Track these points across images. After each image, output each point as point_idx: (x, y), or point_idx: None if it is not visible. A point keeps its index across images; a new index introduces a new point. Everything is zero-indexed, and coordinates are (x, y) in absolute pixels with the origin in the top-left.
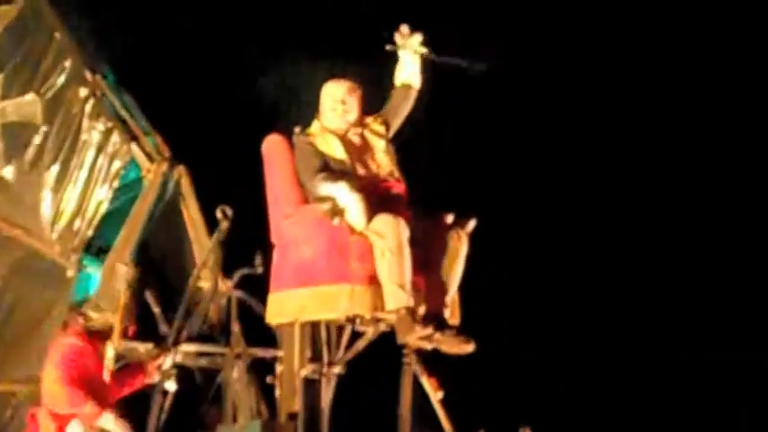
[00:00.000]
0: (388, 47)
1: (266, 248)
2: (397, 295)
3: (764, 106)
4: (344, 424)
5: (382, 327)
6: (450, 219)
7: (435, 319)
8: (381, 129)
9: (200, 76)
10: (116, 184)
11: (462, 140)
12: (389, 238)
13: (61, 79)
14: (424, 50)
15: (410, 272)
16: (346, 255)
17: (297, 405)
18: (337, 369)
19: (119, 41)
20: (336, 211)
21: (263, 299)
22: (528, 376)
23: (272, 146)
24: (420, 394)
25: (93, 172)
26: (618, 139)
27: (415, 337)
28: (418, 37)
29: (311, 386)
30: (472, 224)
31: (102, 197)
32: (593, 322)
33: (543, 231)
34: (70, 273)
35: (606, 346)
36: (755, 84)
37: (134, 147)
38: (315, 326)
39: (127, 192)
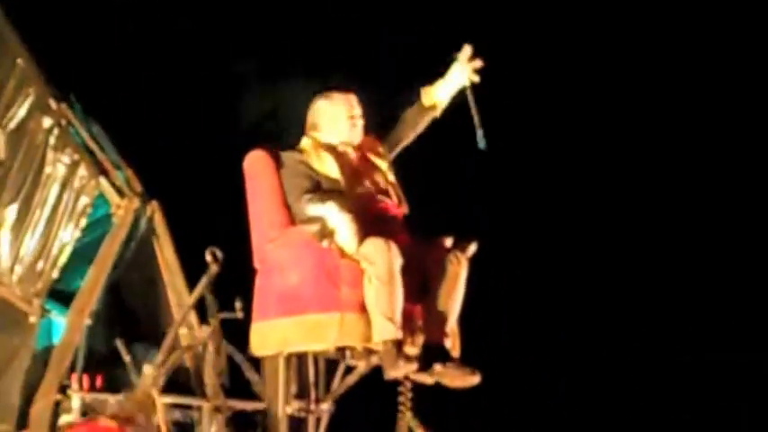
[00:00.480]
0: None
1: (247, 292)
2: (384, 327)
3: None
4: None
5: (375, 360)
6: (449, 242)
7: (435, 352)
8: (381, 149)
9: (176, 104)
10: (83, 221)
11: (462, 162)
12: (379, 265)
13: (24, 109)
14: (475, 80)
15: (401, 302)
16: (336, 280)
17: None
18: (325, 406)
19: (87, 66)
20: (326, 233)
21: (243, 346)
22: (535, 408)
23: (255, 162)
24: None
25: (58, 209)
26: (612, 142)
27: (401, 374)
28: (478, 63)
29: (297, 425)
30: (473, 248)
31: (67, 236)
32: (600, 343)
33: (546, 254)
34: (33, 319)
35: (613, 369)
36: (759, 84)
37: (103, 181)
38: (301, 358)
39: (95, 230)
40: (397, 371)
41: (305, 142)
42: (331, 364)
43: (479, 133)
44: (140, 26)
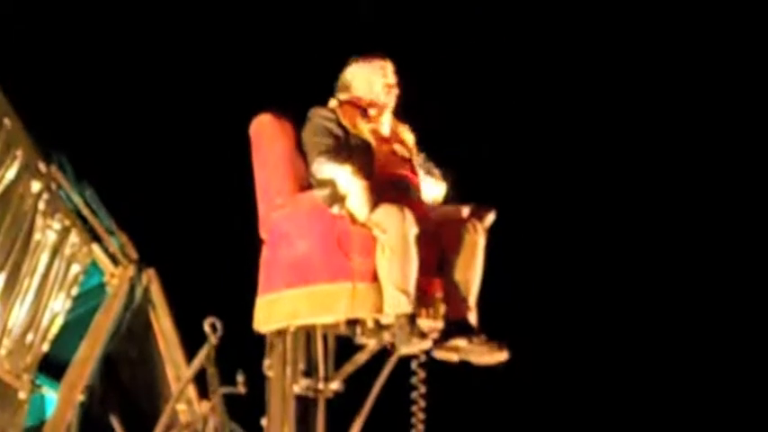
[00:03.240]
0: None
1: (250, 365)
2: (397, 300)
3: None
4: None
5: (387, 337)
6: (466, 211)
7: (461, 326)
8: (411, 138)
9: (173, 167)
10: (75, 291)
11: (483, 132)
12: (392, 233)
13: (11, 172)
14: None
15: (415, 273)
16: (347, 248)
17: (287, 428)
18: (335, 385)
19: (78, 127)
20: (336, 198)
21: (246, 423)
22: (559, 384)
23: (262, 127)
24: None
25: (48, 278)
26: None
27: (415, 350)
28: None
29: (304, 405)
30: (491, 217)
31: (58, 307)
32: (625, 312)
33: (567, 225)
34: (22, 395)
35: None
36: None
37: (95, 248)
38: (310, 334)
39: (87, 300)
40: (411, 347)
41: (334, 102)
42: (341, 343)
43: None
44: (136, 85)
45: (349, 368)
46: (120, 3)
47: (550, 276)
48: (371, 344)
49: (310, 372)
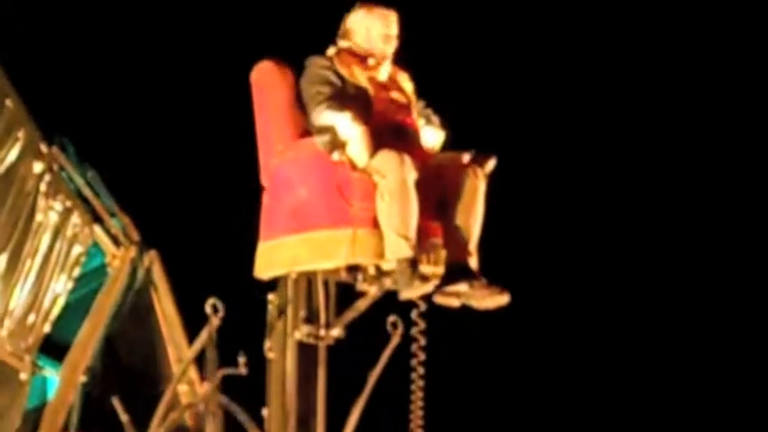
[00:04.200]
0: None
1: (251, 346)
2: (397, 245)
3: None
4: (342, 396)
5: (388, 283)
6: (467, 158)
7: (461, 271)
8: (410, 87)
9: (175, 147)
10: (76, 272)
11: (482, 78)
12: (391, 179)
13: (13, 153)
14: None
15: (415, 218)
16: (347, 194)
17: (288, 373)
18: (336, 332)
19: (80, 107)
20: (336, 144)
21: (247, 405)
22: (560, 331)
23: (263, 74)
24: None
25: (50, 259)
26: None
27: (416, 294)
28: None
29: (306, 352)
30: (492, 163)
31: (59, 288)
32: (627, 259)
33: (569, 170)
34: (24, 376)
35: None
36: None
37: (97, 229)
38: (311, 280)
39: (89, 281)
40: (412, 291)
41: (332, 51)
42: (342, 290)
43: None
44: (138, 65)
45: (350, 315)
46: None
47: (551, 220)
48: (372, 290)
49: (312, 319)
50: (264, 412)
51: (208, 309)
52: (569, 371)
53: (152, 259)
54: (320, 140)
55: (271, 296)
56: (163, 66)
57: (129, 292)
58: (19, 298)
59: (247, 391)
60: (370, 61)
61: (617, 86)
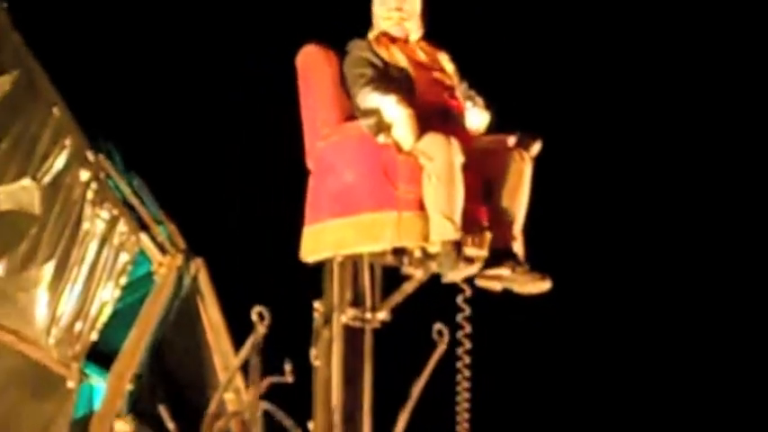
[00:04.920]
0: None
1: (297, 354)
2: (443, 226)
3: None
4: (388, 380)
5: (433, 267)
6: (512, 140)
7: (505, 255)
8: (451, 66)
9: (221, 155)
10: (123, 280)
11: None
12: (438, 161)
13: (60, 161)
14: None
15: (461, 201)
16: (393, 177)
17: (335, 357)
18: (382, 315)
19: (127, 115)
20: (382, 127)
21: (293, 413)
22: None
23: (309, 58)
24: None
25: (97, 267)
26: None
27: (460, 276)
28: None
29: (352, 335)
30: (538, 146)
31: (106, 296)
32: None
33: (615, 155)
34: (71, 384)
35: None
36: None
37: (143, 237)
38: (356, 264)
39: (136, 289)
40: (457, 273)
41: (370, 35)
42: (388, 274)
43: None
44: (183, 72)
45: (396, 298)
46: None
47: (596, 206)
48: (418, 274)
49: (357, 302)
50: (311, 426)
51: (254, 316)
52: (613, 360)
53: (198, 267)
54: (365, 123)
55: (316, 304)
56: (207, 71)
57: (175, 299)
58: (66, 306)
59: (293, 399)
60: (397, 33)
61: (668, 67)
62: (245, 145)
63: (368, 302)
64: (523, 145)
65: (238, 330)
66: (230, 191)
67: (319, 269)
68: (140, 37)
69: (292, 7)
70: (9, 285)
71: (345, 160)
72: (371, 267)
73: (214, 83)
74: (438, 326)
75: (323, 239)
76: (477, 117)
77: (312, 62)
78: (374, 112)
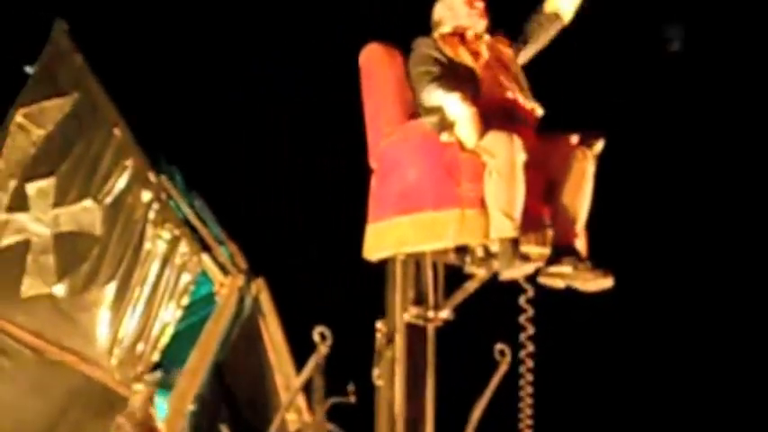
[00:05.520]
0: None
1: (359, 375)
2: (502, 223)
3: None
4: (451, 378)
5: (496, 265)
6: (575, 139)
7: (567, 252)
8: (510, 51)
9: (283, 175)
10: (185, 300)
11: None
12: (500, 158)
13: (122, 182)
14: None
15: (522, 199)
16: (456, 175)
17: (398, 354)
18: (444, 313)
19: (189, 136)
20: (445, 125)
21: None
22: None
23: (372, 56)
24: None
25: (158, 287)
26: None
27: (517, 274)
28: None
29: (415, 333)
30: (600, 145)
31: (168, 316)
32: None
33: (680, 154)
34: None
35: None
36: None
37: (205, 257)
38: (419, 262)
39: (197, 310)
40: (513, 271)
41: (436, 33)
42: (451, 273)
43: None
44: (245, 96)
45: (459, 296)
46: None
47: (659, 205)
48: (481, 272)
49: (420, 300)
50: None
51: (316, 337)
52: (675, 360)
53: (260, 287)
54: (429, 121)
55: (379, 324)
56: (266, 93)
57: (236, 320)
58: (128, 326)
59: (356, 420)
60: (469, 34)
61: (730, 67)
62: (306, 166)
63: (430, 301)
64: (586, 143)
65: (300, 350)
66: (291, 212)
67: (382, 289)
68: (202, 59)
69: (351, 17)
70: (71, 306)
71: (408, 158)
72: (434, 266)
73: (275, 105)
74: (500, 346)
75: (386, 237)
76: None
77: (375, 61)
78: (438, 110)
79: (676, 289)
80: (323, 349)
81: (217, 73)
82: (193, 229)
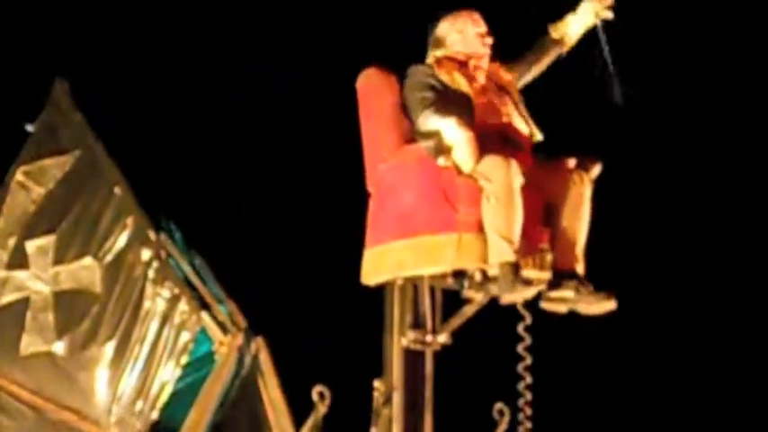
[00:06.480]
0: None
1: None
2: (501, 248)
3: None
4: (449, 402)
5: (494, 290)
6: (572, 163)
7: (568, 276)
8: (509, 76)
9: (280, 235)
10: (184, 359)
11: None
12: (497, 183)
13: (122, 240)
14: (607, 16)
15: (520, 223)
16: (453, 199)
17: (395, 380)
18: (442, 338)
19: (187, 194)
20: (442, 149)
21: None
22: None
23: (369, 81)
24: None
25: (158, 346)
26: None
27: (518, 298)
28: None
29: (412, 358)
30: (597, 169)
31: (167, 375)
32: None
33: (676, 174)
34: None
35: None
36: None
37: (204, 316)
38: (417, 286)
39: (197, 368)
40: (515, 295)
41: (430, 59)
42: (449, 298)
43: (613, 83)
44: (243, 157)
45: (457, 321)
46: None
47: (657, 225)
48: (479, 297)
49: (418, 325)
50: None
51: (315, 396)
52: (678, 380)
53: (259, 346)
54: (425, 145)
55: (376, 383)
56: (264, 156)
57: (236, 378)
58: (127, 385)
59: None
60: (471, 63)
61: (723, 89)
62: (306, 227)
63: (428, 325)
64: (583, 167)
65: (299, 409)
66: (291, 272)
67: (380, 348)
68: (202, 120)
69: (351, 17)
70: (71, 364)
71: (405, 182)
72: (432, 290)
73: (272, 163)
74: (499, 405)
75: (383, 261)
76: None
77: (372, 86)
78: (434, 135)
79: (673, 313)
80: (321, 409)
81: (214, 134)
82: (193, 288)
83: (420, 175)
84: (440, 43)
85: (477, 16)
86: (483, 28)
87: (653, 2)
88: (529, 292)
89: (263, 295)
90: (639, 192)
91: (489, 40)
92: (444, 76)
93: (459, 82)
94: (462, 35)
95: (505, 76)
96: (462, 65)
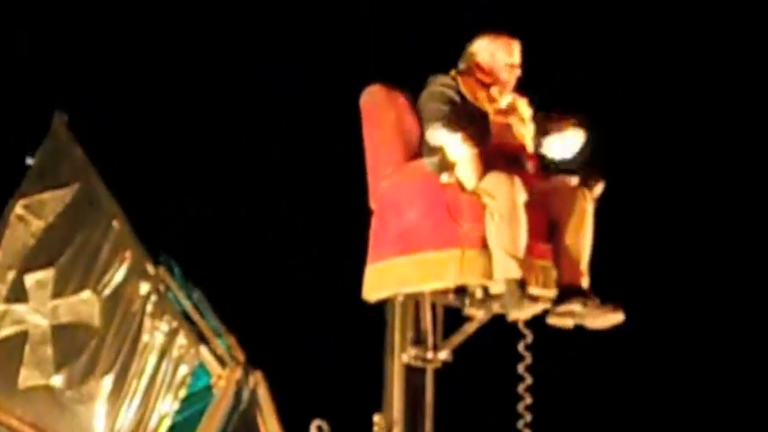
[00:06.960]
0: None
1: None
2: (506, 264)
3: None
4: (450, 420)
5: (495, 307)
6: (575, 181)
7: (574, 291)
8: (529, 111)
9: (279, 267)
10: (182, 393)
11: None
12: (500, 199)
13: (120, 274)
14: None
15: (524, 239)
16: (456, 215)
17: (396, 396)
18: (443, 355)
19: (185, 228)
20: (446, 166)
21: None
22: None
23: (373, 97)
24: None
25: (156, 379)
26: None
27: (525, 315)
28: None
29: (413, 375)
30: (601, 186)
31: (165, 408)
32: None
33: (679, 190)
34: None
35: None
36: None
37: (203, 350)
38: (418, 303)
39: (195, 402)
40: (521, 311)
41: (454, 72)
42: (450, 315)
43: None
44: (241, 191)
45: (458, 338)
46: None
47: (662, 239)
48: (480, 314)
49: (419, 341)
50: None
51: (313, 430)
52: (687, 393)
53: (257, 380)
54: (430, 161)
55: (376, 417)
56: (263, 188)
57: (234, 412)
58: (125, 418)
59: None
60: (493, 91)
61: (723, 100)
62: (305, 260)
63: (429, 342)
64: (587, 185)
65: None
66: (289, 304)
67: (380, 383)
68: (198, 154)
69: (351, 17)
70: (69, 397)
71: (408, 199)
72: (433, 307)
73: (271, 194)
74: None
75: (385, 277)
76: (567, 140)
77: (376, 102)
78: (439, 151)
79: (677, 326)
80: None
81: (213, 169)
82: (191, 321)
83: (423, 192)
84: (470, 58)
85: (514, 46)
86: (515, 59)
87: (654, 10)
88: (535, 309)
89: (261, 329)
90: (644, 204)
91: (517, 72)
92: (465, 90)
93: (480, 98)
94: (493, 59)
95: (525, 110)
96: (486, 86)
